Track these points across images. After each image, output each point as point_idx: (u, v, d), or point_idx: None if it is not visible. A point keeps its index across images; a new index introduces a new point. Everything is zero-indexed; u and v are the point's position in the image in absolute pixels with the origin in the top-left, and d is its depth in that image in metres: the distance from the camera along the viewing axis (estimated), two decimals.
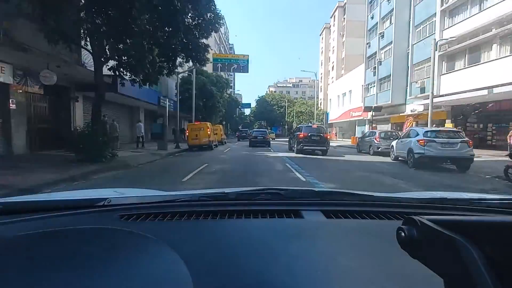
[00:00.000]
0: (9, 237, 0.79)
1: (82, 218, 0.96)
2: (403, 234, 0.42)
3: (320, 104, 56.75)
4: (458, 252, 0.34)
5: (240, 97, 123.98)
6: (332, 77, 51.28)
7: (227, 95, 31.37)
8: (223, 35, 71.34)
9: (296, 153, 14.02)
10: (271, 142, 23.23)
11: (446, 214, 1.03)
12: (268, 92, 75.19)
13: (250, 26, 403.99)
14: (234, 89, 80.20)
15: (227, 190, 1.19)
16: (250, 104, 52.06)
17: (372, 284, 0.61)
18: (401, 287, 0.61)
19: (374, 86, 27.99)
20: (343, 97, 39.95)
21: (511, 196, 1.24)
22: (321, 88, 60.06)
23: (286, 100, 66.05)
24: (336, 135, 38.92)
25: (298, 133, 14.72)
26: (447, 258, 0.36)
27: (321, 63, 59.87)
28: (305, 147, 13.59)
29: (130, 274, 0.60)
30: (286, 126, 63.22)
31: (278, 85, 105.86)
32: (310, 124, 19.48)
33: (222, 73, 28.13)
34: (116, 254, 0.71)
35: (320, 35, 61.42)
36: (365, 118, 31.42)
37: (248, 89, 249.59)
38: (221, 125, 23.53)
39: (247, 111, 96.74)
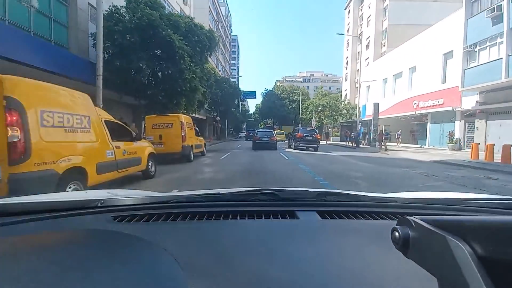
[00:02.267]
0: (1, 239, 0.77)
1: (75, 219, 0.94)
2: (397, 234, 0.42)
3: (345, 97, 43.51)
4: (451, 251, 0.35)
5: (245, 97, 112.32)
6: (367, 58, 37.98)
7: (216, 73, 17.77)
8: (224, 17, 58.88)
9: (294, 149, 17.39)
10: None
11: (439, 214, 1.03)
12: (277, 84, 62.03)
13: (258, 17, 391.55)
14: (237, 74, 67.46)
15: (222, 191, 1.18)
16: (255, 93, 38.48)
17: (366, 284, 0.61)
18: (396, 287, 0.60)
19: (493, 44, 14.73)
20: (394, 81, 26.68)
21: (504, 196, 1.22)
22: (346, 77, 46.88)
23: (301, 93, 52.82)
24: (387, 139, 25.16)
25: (296, 133, 18.24)
26: (441, 257, 0.36)
27: (347, 44, 46.59)
28: (300, 145, 17.02)
29: (124, 276, 0.58)
30: (300, 125, 50.22)
31: (287, 79, 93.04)
32: (305, 127, 22.66)
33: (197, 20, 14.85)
34: (109, 256, 0.68)
35: (346, 8, 48.06)
36: (455, 109, 18.11)
37: (252, 86, 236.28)
38: (182, 116, 10.45)
39: (251, 108, 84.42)
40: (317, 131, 19.16)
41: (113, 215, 0.95)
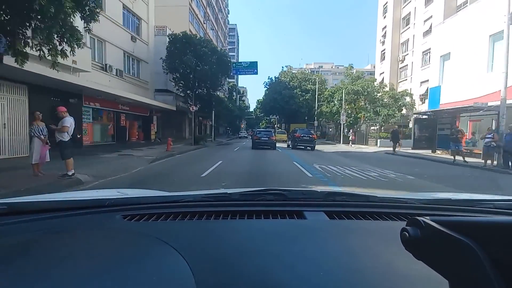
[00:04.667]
0: (13, 237, 0.79)
1: (85, 218, 0.95)
2: (407, 235, 0.41)
3: (382, 81, 30.35)
4: (463, 253, 0.34)
5: (246, 92, 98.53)
6: (429, 18, 24.76)
7: None
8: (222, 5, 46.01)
9: (292, 148, 18.30)
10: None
11: (450, 215, 1.01)
12: (284, 70, 48.73)
13: (259, 7, 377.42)
14: (237, 53, 53.73)
15: (230, 191, 1.17)
16: (256, 65, 22.31)
17: (375, 285, 0.60)
18: None
19: None
20: None
21: None
22: (382, 55, 33.87)
23: (317, 80, 39.77)
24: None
25: (294, 134, 18.97)
26: (452, 259, 0.35)
27: (384, 9, 33.51)
28: (298, 144, 18.12)
29: (133, 274, 0.60)
30: (316, 122, 37.28)
31: (293, 71, 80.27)
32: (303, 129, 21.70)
33: None
34: (119, 254, 0.70)
35: None
36: None
37: (253, 82, 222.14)
38: None
39: (252, 104, 71.27)
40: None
41: (123, 214, 0.95)
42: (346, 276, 0.63)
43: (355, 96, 26.76)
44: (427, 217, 0.40)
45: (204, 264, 0.64)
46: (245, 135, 46.34)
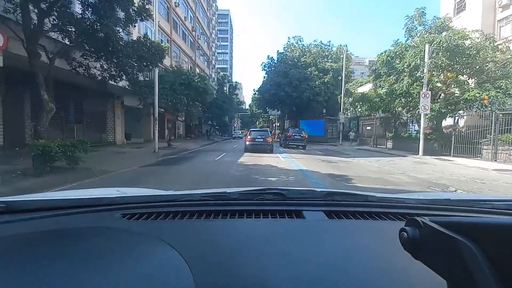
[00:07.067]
0: (11, 236, 0.78)
1: (84, 217, 0.95)
2: (405, 235, 0.41)
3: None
4: (461, 253, 0.34)
5: (241, 88, 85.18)
6: None
7: None
8: None
9: (284, 147, 18.39)
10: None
11: (449, 215, 1.00)
12: (291, 42, 34.42)
13: None
14: (230, 60, 38.60)
15: (229, 190, 1.18)
16: None
17: (374, 285, 0.60)
18: None
19: None
20: None
21: None
22: (460, 4, 20.47)
23: (345, 54, 26.31)
24: None
25: (286, 133, 20.08)
26: (450, 259, 0.35)
27: None
28: (290, 144, 18.43)
29: (132, 273, 0.59)
30: (342, 115, 23.93)
31: (304, 44, 66.59)
32: (295, 128, 21.10)
33: None
34: (117, 253, 0.70)
35: None
36: None
37: (249, 77, 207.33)
38: None
39: (247, 100, 58.46)
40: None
41: (122, 212, 0.95)
42: (345, 275, 0.63)
43: (448, 61, 13.34)
44: (426, 217, 0.40)
45: (203, 263, 0.64)
46: (240, 135, 36.15)
